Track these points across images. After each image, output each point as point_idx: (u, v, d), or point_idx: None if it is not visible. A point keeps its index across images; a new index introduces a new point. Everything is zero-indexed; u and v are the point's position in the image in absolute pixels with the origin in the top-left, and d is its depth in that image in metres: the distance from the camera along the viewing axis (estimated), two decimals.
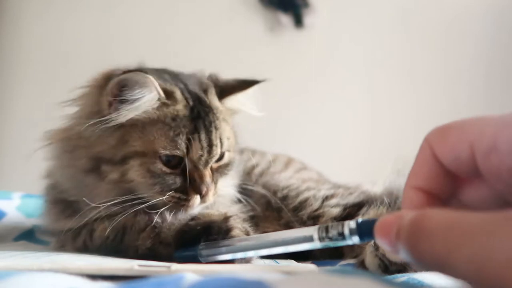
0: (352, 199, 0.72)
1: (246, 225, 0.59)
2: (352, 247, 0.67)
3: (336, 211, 0.70)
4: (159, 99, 0.59)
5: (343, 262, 0.66)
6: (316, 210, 0.71)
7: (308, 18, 1.86)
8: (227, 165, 0.65)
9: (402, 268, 0.52)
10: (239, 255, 0.48)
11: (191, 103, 0.61)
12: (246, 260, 0.52)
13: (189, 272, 0.34)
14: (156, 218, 0.57)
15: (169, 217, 0.58)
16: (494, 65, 1.85)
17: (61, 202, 0.64)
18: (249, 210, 0.69)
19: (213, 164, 0.62)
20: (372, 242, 0.54)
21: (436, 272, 0.25)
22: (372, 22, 1.89)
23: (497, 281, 0.22)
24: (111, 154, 0.58)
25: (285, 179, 0.78)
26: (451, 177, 0.32)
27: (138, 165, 0.58)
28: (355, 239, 0.35)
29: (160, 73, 0.64)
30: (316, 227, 0.38)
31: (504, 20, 1.84)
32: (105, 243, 0.58)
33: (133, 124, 0.59)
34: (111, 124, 0.58)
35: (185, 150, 0.59)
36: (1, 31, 1.86)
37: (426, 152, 0.32)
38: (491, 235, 0.23)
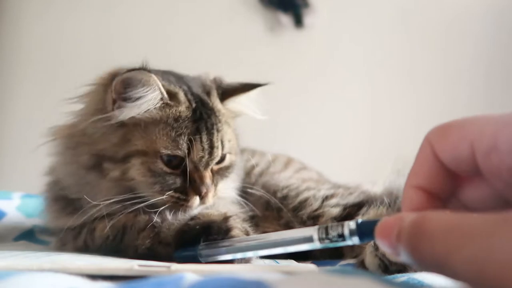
0: (352, 199, 0.72)
1: (246, 225, 0.59)
2: (352, 247, 0.67)
3: (336, 211, 0.70)
4: (162, 99, 0.59)
5: (343, 262, 0.66)
6: (316, 210, 0.71)
7: (308, 18, 1.86)
8: (228, 168, 0.65)
9: (402, 268, 0.52)
10: (239, 255, 0.48)
11: (193, 105, 0.62)
12: (245, 260, 0.52)
13: (189, 272, 0.34)
14: (156, 218, 0.57)
15: (169, 217, 0.58)
16: (494, 65, 1.85)
17: (62, 199, 0.64)
18: (249, 210, 0.69)
19: (214, 166, 0.63)
20: (372, 242, 0.54)
21: (437, 273, 0.26)
22: (372, 22, 1.89)
23: (498, 282, 0.22)
24: (113, 152, 0.59)
25: (285, 179, 0.78)
26: (451, 176, 0.32)
27: (139, 164, 0.58)
28: (355, 240, 0.35)
29: (165, 75, 0.64)
30: (316, 227, 0.38)
31: (504, 20, 1.84)
32: (105, 243, 0.58)
33: (136, 124, 0.59)
34: (113, 121, 0.58)
35: (186, 151, 0.59)
36: (1, 31, 1.86)
37: (426, 150, 0.32)
38: (491, 236, 0.23)
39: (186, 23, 1.86)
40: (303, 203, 0.72)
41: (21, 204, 0.93)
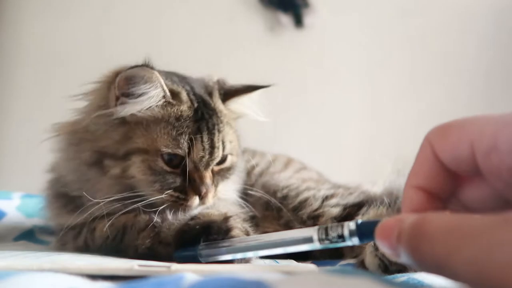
0: (352, 199, 0.72)
1: (246, 225, 0.59)
2: (352, 247, 0.67)
3: (336, 211, 0.70)
4: (164, 97, 0.60)
5: (343, 262, 0.66)
6: (316, 210, 0.71)
7: (308, 18, 1.86)
8: (229, 169, 0.66)
9: (402, 268, 0.52)
10: (239, 255, 0.48)
11: (195, 104, 0.62)
12: (245, 260, 0.52)
13: (189, 272, 0.34)
14: (156, 218, 0.57)
15: (169, 216, 0.58)
16: (494, 65, 1.84)
17: (63, 197, 0.64)
18: (249, 210, 0.69)
19: (214, 166, 0.63)
20: (372, 242, 0.54)
21: (437, 275, 0.26)
22: (372, 22, 1.89)
23: (498, 283, 0.22)
24: (114, 149, 0.59)
25: (285, 179, 0.78)
26: (451, 176, 0.32)
27: (139, 162, 0.59)
28: (355, 241, 0.35)
29: (168, 75, 0.65)
30: (316, 228, 0.38)
31: (504, 19, 1.84)
32: (105, 243, 0.58)
33: (137, 122, 0.60)
34: (115, 117, 0.59)
35: (186, 150, 0.59)
36: (1, 31, 1.86)
37: (426, 150, 0.32)
38: (491, 237, 0.23)
39: (186, 23, 1.86)
40: (303, 203, 0.72)
41: (21, 204, 0.93)
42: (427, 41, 1.86)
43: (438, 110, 1.75)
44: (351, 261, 0.65)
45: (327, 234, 0.37)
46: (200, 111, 0.62)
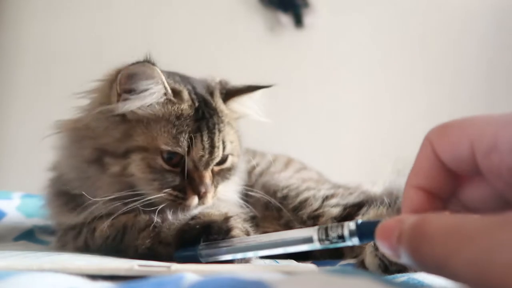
0: (352, 199, 0.72)
1: (247, 225, 0.59)
2: (352, 247, 0.67)
3: (336, 211, 0.70)
4: (165, 94, 0.60)
5: (343, 262, 0.66)
6: (316, 210, 0.71)
7: (308, 18, 1.86)
8: (229, 169, 0.65)
9: (402, 268, 0.52)
10: (239, 255, 0.48)
11: (196, 103, 0.62)
12: (245, 260, 0.52)
13: (189, 272, 0.34)
14: (156, 218, 0.57)
15: (169, 216, 0.58)
16: (494, 65, 1.84)
17: (64, 195, 0.64)
18: (250, 210, 0.69)
19: (214, 167, 0.63)
20: (372, 242, 0.54)
21: (438, 275, 0.26)
22: (372, 22, 1.89)
23: (498, 283, 0.22)
24: (114, 147, 0.59)
25: (285, 179, 0.78)
26: (452, 176, 0.32)
27: (139, 160, 0.59)
28: (355, 241, 0.35)
29: (170, 74, 0.65)
30: (316, 228, 0.38)
31: (504, 19, 1.84)
32: (106, 243, 0.58)
33: (138, 120, 0.60)
34: (116, 113, 0.59)
35: (186, 149, 0.59)
36: (1, 31, 1.86)
37: (427, 150, 0.32)
38: (491, 238, 0.23)
39: (186, 23, 1.86)
40: (303, 203, 0.72)
41: (21, 204, 0.93)
42: (427, 41, 1.86)
43: (438, 110, 1.75)
44: (351, 261, 0.65)
45: (327, 234, 0.37)
46: (201, 110, 0.62)
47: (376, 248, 0.55)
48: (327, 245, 0.37)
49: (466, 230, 0.24)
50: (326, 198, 0.72)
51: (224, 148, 0.63)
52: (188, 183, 0.60)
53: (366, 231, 0.34)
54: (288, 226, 0.72)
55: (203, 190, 0.59)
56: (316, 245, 0.38)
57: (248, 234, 0.56)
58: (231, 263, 0.50)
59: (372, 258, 0.55)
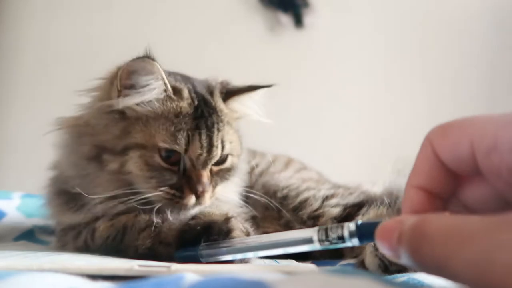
0: (352, 199, 0.72)
1: (247, 225, 0.59)
2: (352, 247, 0.67)
3: (336, 211, 0.70)
4: (165, 91, 0.60)
5: (343, 262, 0.66)
6: (316, 210, 0.71)
7: (308, 18, 1.86)
8: (229, 170, 0.65)
9: (402, 268, 0.52)
10: (239, 256, 0.48)
11: (196, 102, 0.62)
12: (245, 261, 0.52)
13: (189, 272, 0.34)
14: (157, 218, 0.57)
15: (169, 216, 0.58)
16: (494, 65, 1.84)
17: (65, 194, 0.64)
18: (250, 211, 0.69)
19: (213, 167, 0.63)
20: (372, 242, 0.54)
21: (438, 276, 0.26)
22: (372, 22, 1.89)
23: (499, 284, 0.22)
24: (113, 143, 0.60)
25: (285, 179, 0.78)
26: (452, 176, 0.32)
27: (137, 157, 0.59)
28: (355, 241, 0.35)
29: (172, 74, 0.65)
30: (316, 229, 0.38)
31: (504, 19, 1.84)
32: (106, 243, 0.58)
33: (137, 117, 0.60)
34: (116, 108, 0.59)
35: (184, 147, 0.59)
36: (1, 31, 1.86)
37: (427, 150, 0.32)
38: (491, 238, 0.23)
39: (186, 23, 1.86)
40: (303, 203, 0.72)
41: (21, 204, 0.93)
42: (427, 41, 1.86)
43: (438, 110, 1.75)
44: (351, 261, 0.65)
45: (327, 235, 0.37)
46: (200, 109, 0.62)
47: (376, 248, 0.55)
48: (327, 245, 0.37)
49: (466, 231, 0.24)
50: (326, 198, 0.72)
51: (223, 147, 0.63)
52: (185, 181, 0.59)
53: (366, 232, 0.34)
54: (288, 227, 0.72)
55: (200, 189, 0.59)
56: (316, 246, 0.38)
57: (248, 234, 0.56)
58: (231, 263, 0.50)
59: (372, 258, 0.55)
